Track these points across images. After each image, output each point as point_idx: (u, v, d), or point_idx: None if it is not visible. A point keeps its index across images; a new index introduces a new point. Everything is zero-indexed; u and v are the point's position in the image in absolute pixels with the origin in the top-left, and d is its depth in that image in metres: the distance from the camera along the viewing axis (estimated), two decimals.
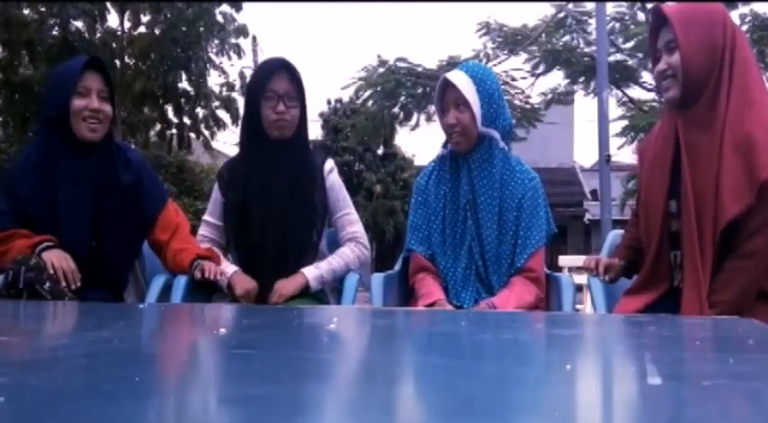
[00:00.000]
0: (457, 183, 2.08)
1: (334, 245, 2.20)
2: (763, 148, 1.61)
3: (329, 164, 2.18)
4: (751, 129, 1.63)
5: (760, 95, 1.69)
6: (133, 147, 10.71)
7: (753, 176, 1.60)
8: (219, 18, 10.06)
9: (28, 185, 1.97)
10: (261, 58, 13.12)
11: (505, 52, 10.17)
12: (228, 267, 2.07)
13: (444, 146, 2.15)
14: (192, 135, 11.12)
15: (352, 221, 2.16)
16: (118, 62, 9.99)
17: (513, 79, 10.06)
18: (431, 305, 1.96)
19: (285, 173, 2.08)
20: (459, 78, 2.03)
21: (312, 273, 2.03)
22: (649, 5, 9.65)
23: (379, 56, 9.94)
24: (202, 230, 2.21)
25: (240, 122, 2.21)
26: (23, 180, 1.98)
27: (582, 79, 9.98)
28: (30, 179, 1.97)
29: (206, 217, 2.22)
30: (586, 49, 9.62)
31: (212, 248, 2.10)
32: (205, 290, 2.11)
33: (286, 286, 2.01)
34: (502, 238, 2.05)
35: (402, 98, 9.93)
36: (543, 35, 9.98)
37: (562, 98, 10.77)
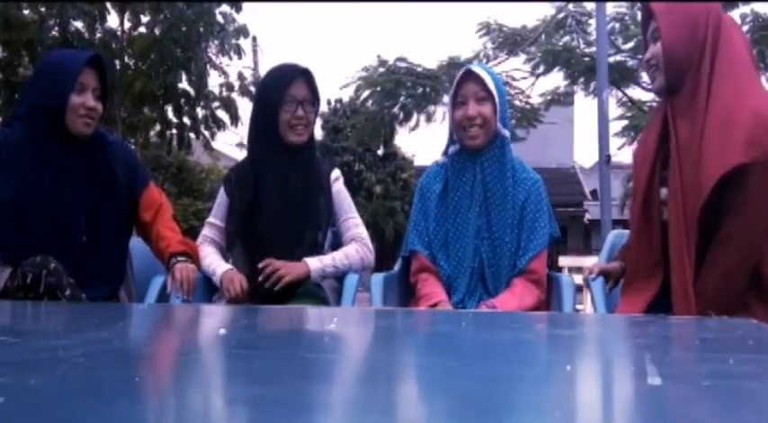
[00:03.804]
0: (468, 182, 2.07)
1: (336, 248, 2.20)
2: (744, 129, 1.61)
3: (336, 172, 2.22)
4: (735, 111, 1.64)
5: (747, 85, 1.70)
6: (133, 147, 10.72)
7: (727, 155, 1.61)
8: (219, 18, 10.05)
9: (13, 179, 1.89)
10: (261, 59, 13.15)
11: (505, 53, 10.18)
12: (219, 266, 2.08)
13: (445, 152, 2.13)
14: (192, 135, 11.11)
15: (357, 224, 2.19)
16: (118, 62, 9.98)
17: (514, 79, 10.07)
18: (433, 306, 1.96)
19: (299, 176, 2.11)
20: (481, 71, 2.04)
21: (315, 264, 2.04)
22: None
23: (378, 56, 9.95)
24: (205, 231, 2.22)
25: (250, 126, 2.20)
26: (5, 173, 1.89)
27: (582, 79, 9.98)
28: (15, 172, 1.89)
29: (210, 219, 2.23)
30: (586, 50, 9.62)
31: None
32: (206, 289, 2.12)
33: (291, 266, 2.01)
34: (508, 239, 2.05)
35: (402, 98, 9.93)
36: (543, 35, 9.98)
37: (562, 98, 10.77)
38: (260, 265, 2.00)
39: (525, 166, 2.14)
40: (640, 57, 9.52)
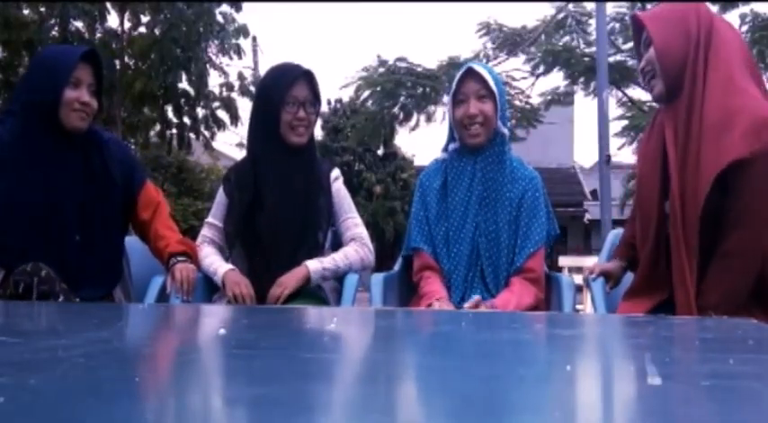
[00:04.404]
0: (467, 179, 2.07)
1: (336, 248, 2.20)
2: (740, 128, 1.58)
3: (335, 172, 2.22)
4: (731, 112, 1.61)
5: (742, 85, 1.66)
6: (133, 147, 10.73)
7: (723, 153, 1.59)
8: (219, 18, 10.06)
9: (7, 177, 1.87)
10: (261, 59, 13.15)
11: (505, 53, 10.19)
12: (221, 266, 2.08)
13: (445, 148, 2.14)
14: (192, 135, 11.12)
15: (357, 224, 2.19)
16: (118, 62, 9.98)
17: (514, 79, 10.07)
18: (431, 304, 1.96)
19: (300, 176, 2.12)
20: (482, 69, 2.06)
21: (315, 265, 2.05)
22: (649, 6, 9.67)
23: (379, 56, 9.96)
24: (204, 231, 2.22)
25: (250, 125, 2.20)
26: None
27: (582, 79, 9.99)
28: (8, 170, 1.88)
29: (209, 219, 2.23)
30: (586, 50, 9.63)
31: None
32: (206, 289, 2.12)
33: (289, 279, 2.01)
34: (505, 236, 2.05)
35: (402, 98, 9.94)
36: (543, 36, 9.99)
37: (562, 98, 10.78)
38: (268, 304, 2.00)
39: (524, 164, 2.15)
40: None
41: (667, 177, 1.74)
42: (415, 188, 2.24)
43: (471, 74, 2.04)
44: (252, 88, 10.42)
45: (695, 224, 1.65)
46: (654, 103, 1.86)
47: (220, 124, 11.03)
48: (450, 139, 2.12)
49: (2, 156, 1.89)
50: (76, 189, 1.94)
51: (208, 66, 10.33)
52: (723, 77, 1.66)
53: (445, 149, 2.14)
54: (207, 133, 11.15)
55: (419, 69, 9.89)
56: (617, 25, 9.66)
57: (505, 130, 2.08)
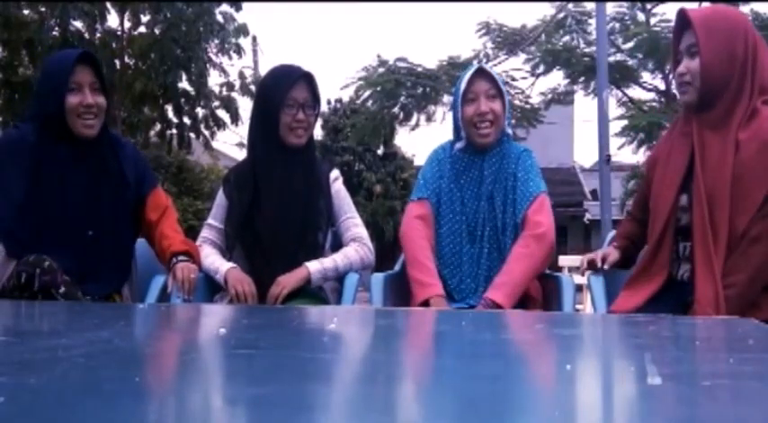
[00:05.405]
0: (477, 182, 2.09)
1: (337, 248, 2.20)
2: None
3: (335, 173, 2.23)
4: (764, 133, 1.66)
5: None
6: None
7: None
8: (219, 18, 10.06)
9: (24, 177, 1.93)
10: (261, 59, 13.13)
11: (505, 53, 10.20)
12: (223, 264, 2.09)
13: (451, 147, 2.15)
14: (192, 135, 11.11)
15: (356, 224, 2.19)
16: (118, 62, 9.98)
17: (513, 79, 10.08)
18: (425, 302, 1.96)
19: (300, 177, 2.12)
20: (491, 70, 2.10)
21: (315, 266, 2.05)
22: (649, 5, 9.68)
23: (379, 56, 9.97)
24: (205, 233, 2.22)
25: (250, 126, 2.21)
26: (18, 176, 1.93)
27: (582, 79, 10.00)
28: (26, 170, 1.93)
29: (209, 220, 2.24)
30: (586, 49, 9.64)
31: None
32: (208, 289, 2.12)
33: (288, 279, 2.02)
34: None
35: (402, 98, 9.95)
36: (543, 35, 10.00)
37: (562, 98, 10.80)
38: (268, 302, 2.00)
39: (512, 142, 2.17)
40: (640, 56, 9.58)
41: (688, 175, 1.77)
42: (428, 158, 2.22)
43: (481, 73, 2.08)
44: (252, 88, 10.42)
45: (725, 228, 1.69)
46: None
47: (220, 124, 11.02)
48: (457, 138, 2.13)
49: (21, 155, 1.94)
50: (89, 186, 1.98)
51: (208, 65, 10.33)
52: (759, 101, 1.71)
53: (451, 147, 2.16)
54: (207, 133, 11.14)
55: (419, 69, 9.90)
56: (617, 25, 9.67)
57: (510, 130, 2.12)
